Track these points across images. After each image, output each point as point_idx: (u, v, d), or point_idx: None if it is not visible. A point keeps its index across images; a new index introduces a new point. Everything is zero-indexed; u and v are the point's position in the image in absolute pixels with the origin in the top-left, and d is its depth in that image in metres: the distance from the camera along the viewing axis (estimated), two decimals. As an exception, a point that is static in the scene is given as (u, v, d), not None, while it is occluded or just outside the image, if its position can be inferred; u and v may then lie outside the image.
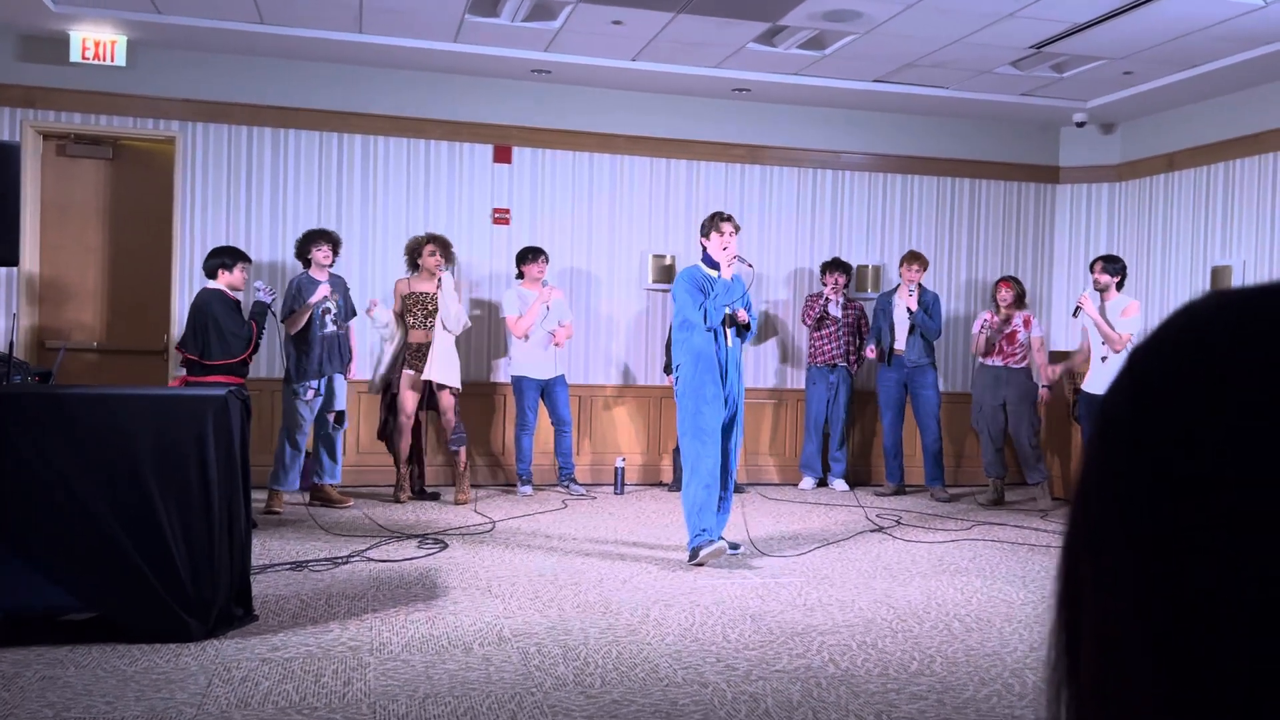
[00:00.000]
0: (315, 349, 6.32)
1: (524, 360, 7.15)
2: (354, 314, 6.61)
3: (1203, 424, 0.40)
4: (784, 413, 8.24)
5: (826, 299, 7.74)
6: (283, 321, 6.34)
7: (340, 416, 6.51)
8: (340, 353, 6.47)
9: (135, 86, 7.03)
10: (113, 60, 6.72)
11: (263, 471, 6.25)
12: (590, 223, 7.88)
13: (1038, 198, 8.72)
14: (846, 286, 7.85)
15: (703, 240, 5.44)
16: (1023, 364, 7.40)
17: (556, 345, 7.18)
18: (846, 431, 7.98)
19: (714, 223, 5.35)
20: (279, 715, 3.13)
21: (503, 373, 7.62)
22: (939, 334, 7.61)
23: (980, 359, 7.55)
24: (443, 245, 6.82)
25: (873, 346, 7.71)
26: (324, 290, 6.34)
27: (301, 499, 6.47)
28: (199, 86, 7.14)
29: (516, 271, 7.23)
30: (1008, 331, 7.39)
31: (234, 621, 3.96)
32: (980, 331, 7.46)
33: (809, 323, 7.80)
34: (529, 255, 7.14)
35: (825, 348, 7.80)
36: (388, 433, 6.86)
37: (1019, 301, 7.48)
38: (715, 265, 5.34)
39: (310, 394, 6.29)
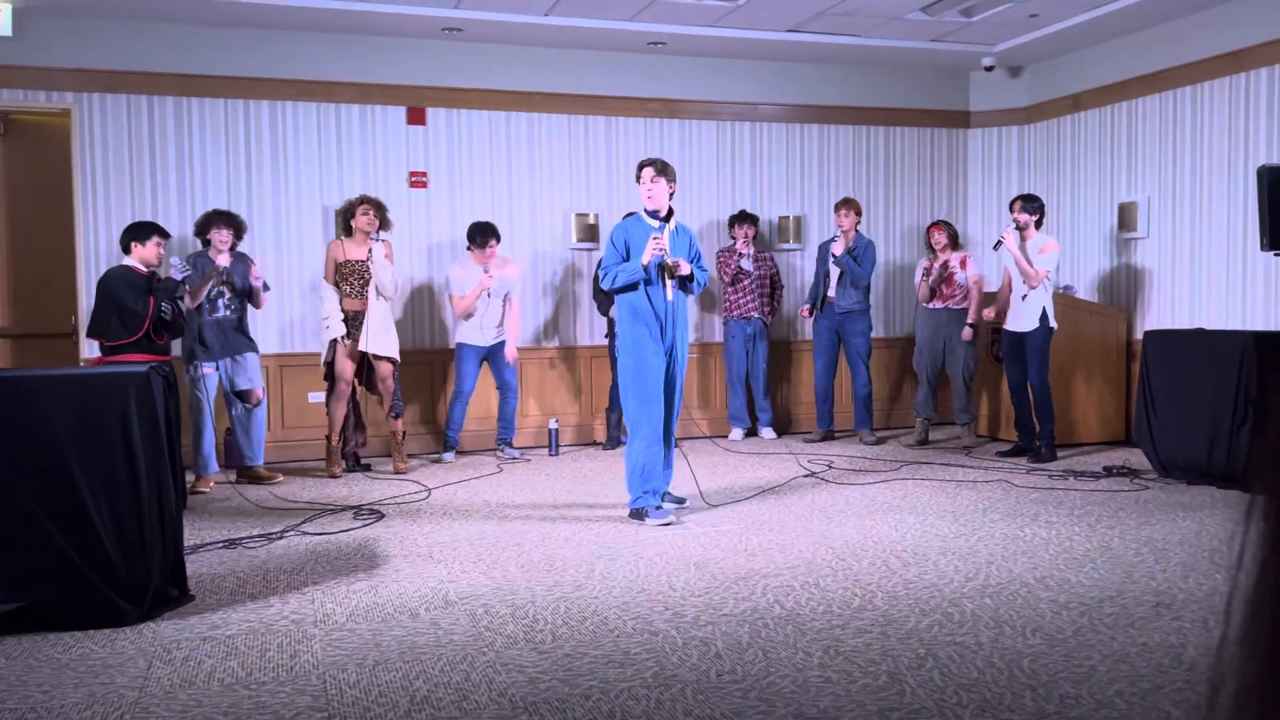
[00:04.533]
0: (206, 333, 6.12)
1: (466, 327, 7.06)
2: (252, 293, 6.29)
3: None
4: (709, 366, 8.29)
5: (740, 254, 7.79)
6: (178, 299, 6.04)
7: (249, 395, 6.31)
8: (240, 334, 6.25)
9: (23, 57, 6.69)
10: (-3, 30, 6.38)
11: (188, 452, 6.07)
12: (510, 183, 7.78)
13: (950, 143, 8.86)
14: (755, 237, 7.91)
15: None
16: (962, 305, 7.55)
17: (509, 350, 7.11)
18: (770, 381, 8.08)
19: (637, 173, 5.23)
20: (225, 692, 3.07)
21: (440, 340, 7.52)
22: (866, 280, 7.68)
23: (924, 304, 7.68)
24: (378, 207, 6.60)
25: (806, 307, 7.79)
26: (224, 260, 6.11)
27: (228, 478, 6.31)
28: (93, 55, 6.82)
29: (468, 245, 7.10)
30: (946, 275, 7.53)
31: (169, 602, 3.86)
32: (922, 280, 7.60)
33: (725, 279, 7.85)
34: (475, 238, 6.97)
35: (740, 301, 7.86)
36: (329, 401, 6.69)
37: (953, 243, 7.63)
38: (655, 215, 5.22)
39: (207, 370, 6.11)
